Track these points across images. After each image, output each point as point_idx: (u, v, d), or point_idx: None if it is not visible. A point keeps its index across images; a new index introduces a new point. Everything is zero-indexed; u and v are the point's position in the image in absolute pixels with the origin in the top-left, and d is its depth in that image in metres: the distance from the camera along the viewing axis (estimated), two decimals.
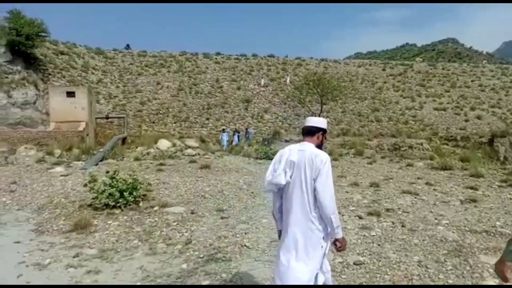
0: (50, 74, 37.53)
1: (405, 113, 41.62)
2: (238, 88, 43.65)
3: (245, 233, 6.86)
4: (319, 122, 3.70)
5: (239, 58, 52.25)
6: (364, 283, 4.83)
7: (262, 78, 46.03)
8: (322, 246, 3.35)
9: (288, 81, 45.72)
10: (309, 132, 3.62)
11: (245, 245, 6.21)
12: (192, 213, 8.28)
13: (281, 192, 3.57)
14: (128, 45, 55.53)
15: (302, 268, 3.28)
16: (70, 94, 25.99)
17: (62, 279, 4.94)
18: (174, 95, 41.21)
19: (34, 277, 5.00)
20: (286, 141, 23.44)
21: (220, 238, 6.62)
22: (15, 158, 18.05)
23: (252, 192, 10.58)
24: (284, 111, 40.50)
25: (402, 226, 7.36)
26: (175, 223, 7.50)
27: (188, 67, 47.77)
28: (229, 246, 6.18)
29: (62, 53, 42.36)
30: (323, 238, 3.36)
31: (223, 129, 28.87)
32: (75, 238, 6.65)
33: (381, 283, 4.82)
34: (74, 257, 5.72)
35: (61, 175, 12.82)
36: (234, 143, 26.77)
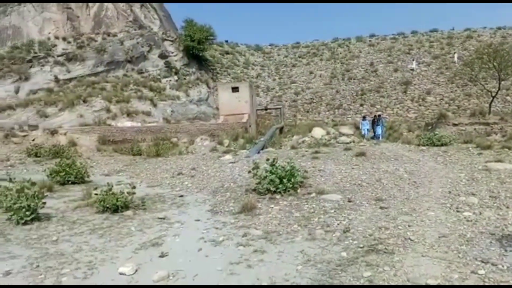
0: (218, 73, 42.28)
1: None
2: (395, 70, 40.69)
3: (409, 226, 6.40)
4: None
5: (396, 37, 48.52)
6: None
7: (413, 60, 41.46)
8: None
9: (455, 58, 40.20)
10: None
11: (409, 238, 5.79)
12: (349, 201, 8.17)
13: None
14: (226, 41, 51.08)
15: None
16: (235, 89, 28.68)
17: (234, 255, 5.52)
18: (326, 83, 41.20)
19: (211, 252, 5.74)
20: (455, 124, 20.82)
21: (380, 229, 6.34)
22: (193, 148, 21.07)
23: (415, 182, 9.78)
24: (451, 91, 35.95)
25: None
26: (332, 211, 7.53)
27: (340, 53, 46.94)
28: (391, 238, 5.87)
29: (227, 53, 47.13)
30: None
31: (364, 116, 26.87)
32: (243, 219, 7.35)
33: None
34: (242, 236, 6.33)
35: (230, 162, 14.35)
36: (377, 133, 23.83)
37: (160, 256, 5.57)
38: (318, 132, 20.40)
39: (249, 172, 9.86)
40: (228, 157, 15.88)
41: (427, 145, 16.35)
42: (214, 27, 49.07)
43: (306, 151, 16.30)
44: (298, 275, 4.76)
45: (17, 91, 31.41)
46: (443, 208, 7.46)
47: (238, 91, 28.59)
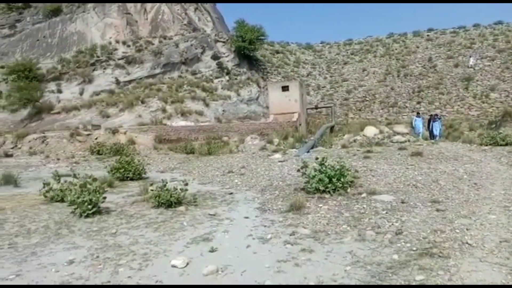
0: (268, 72, 42.49)
1: None
2: (456, 66, 38.34)
3: (467, 229, 6.04)
4: None
5: (457, 31, 45.70)
6: None
7: (470, 56, 38.62)
8: None
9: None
10: None
11: (466, 243, 5.47)
12: (403, 202, 7.86)
13: None
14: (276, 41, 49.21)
15: None
16: (285, 88, 28.68)
17: (281, 253, 5.55)
18: (380, 80, 39.84)
19: (259, 249, 5.81)
20: None
21: (435, 232, 6.05)
22: (244, 146, 21.38)
23: (475, 184, 9.18)
24: None
25: None
26: (384, 212, 7.30)
27: (396, 49, 45.14)
28: (447, 242, 5.57)
29: (277, 52, 47.22)
30: None
31: (418, 113, 24.76)
32: (291, 217, 7.35)
33: None
34: (290, 235, 6.34)
35: (279, 161, 14.39)
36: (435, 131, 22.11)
37: (210, 251, 5.74)
38: (370, 130, 19.76)
39: (298, 171, 9.82)
40: (277, 156, 15.93)
41: (490, 144, 15.25)
42: (265, 27, 49.49)
43: (358, 150, 15.90)
44: (347, 276, 4.68)
45: (81, 93, 33.79)
46: (506, 211, 6.95)
47: (288, 90, 28.55)
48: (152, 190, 8.85)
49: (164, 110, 29.56)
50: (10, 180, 12.14)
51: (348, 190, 8.87)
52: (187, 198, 8.94)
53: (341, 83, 41.02)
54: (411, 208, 7.49)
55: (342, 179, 8.73)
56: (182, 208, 8.38)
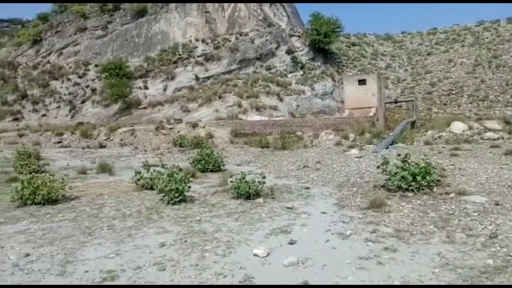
0: (343, 66, 41.44)
1: None
2: None
3: None
4: None
5: None
6: None
7: None
8: None
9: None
10: None
11: None
12: (497, 204, 7.21)
13: None
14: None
15: None
16: (361, 82, 27.77)
17: (362, 250, 5.45)
18: (469, 72, 36.63)
19: (338, 244, 5.76)
20: None
21: None
22: (318, 141, 21.18)
23: None
24: None
25: None
26: (475, 214, 6.77)
27: (487, 37, 41.15)
28: None
29: (353, 44, 45.81)
30: None
31: None
32: (371, 215, 7.16)
33: None
34: (371, 232, 6.18)
35: (356, 157, 14.02)
36: None
37: (289, 243, 5.84)
38: (458, 126, 18.31)
39: (378, 167, 9.49)
40: (354, 151, 15.53)
41: None
42: (342, 19, 48.29)
43: (443, 147, 14.86)
44: (435, 278, 4.46)
45: (165, 89, 36.09)
46: None
47: (365, 83, 27.61)
48: (231, 181, 9.21)
49: (239, 105, 30.40)
50: (105, 169, 13.46)
51: (434, 189, 8.36)
52: (265, 191, 9.14)
53: (423, 75, 38.53)
54: (507, 211, 6.85)
55: (427, 178, 8.25)
56: (260, 200, 8.60)
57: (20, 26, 61.27)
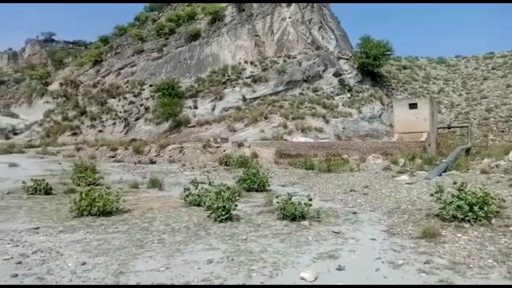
0: (393, 89, 40.51)
1: None
2: None
3: None
4: None
5: None
6: None
7: None
8: None
9: None
10: None
11: None
12: None
13: None
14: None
15: None
16: (412, 106, 26.95)
17: (415, 281, 5.20)
18: None
19: (389, 274, 5.54)
20: None
21: None
22: (365, 165, 20.64)
23: None
24: None
25: None
26: None
27: None
28: None
29: (404, 67, 44.78)
30: None
31: None
32: (424, 244, 6.83)
33: None
34: (425, 263, 5.89)
35: (406, 183, 13.50)
36: None
37: (337, 269, 5.71)
38: None
39: (431, 195, 9.08)
40: (404, 177, 14.97)
41: None
42: (392, 42, 47.58)
43: (502, 177, 13.93)
44: None
45: (213, 109, 37.13)
46: None
47: (416, 107, 26.76)
48: (277, 202, 9.21)
49: (285, 126, 30.51)
50: (155, 184, 13.97)
51: (493, 221, 7.84)
52: (310, 213, 9.03)
53: (479, 100, 36.71)
54: None
55: (485, 208, 7.77)
56: (305, 222, 8.50)
57: (83, 47, 66.46)
